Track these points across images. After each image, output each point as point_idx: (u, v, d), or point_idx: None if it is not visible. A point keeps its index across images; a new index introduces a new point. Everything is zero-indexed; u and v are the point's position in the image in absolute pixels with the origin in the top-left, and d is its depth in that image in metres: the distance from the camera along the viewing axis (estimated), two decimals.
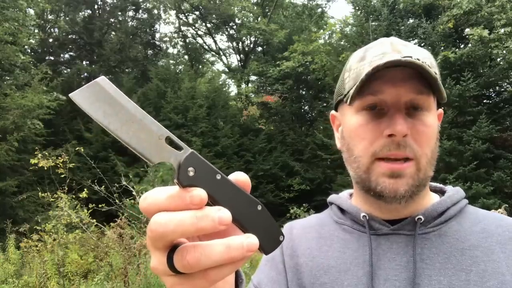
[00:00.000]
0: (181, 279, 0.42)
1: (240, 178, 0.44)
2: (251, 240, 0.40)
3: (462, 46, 13.48)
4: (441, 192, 0.90)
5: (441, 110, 0.87)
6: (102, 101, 0.40)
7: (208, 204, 0.40)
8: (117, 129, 0.40)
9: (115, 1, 20.74)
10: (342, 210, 0.91)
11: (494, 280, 0.72)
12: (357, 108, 0.80)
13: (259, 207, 0.44)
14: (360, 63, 0.80)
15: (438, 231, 0.80)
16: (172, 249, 0.41)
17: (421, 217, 0.80)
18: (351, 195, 0.95)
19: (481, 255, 0.75)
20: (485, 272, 0.73)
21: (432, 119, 0.78)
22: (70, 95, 0.40)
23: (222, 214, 0.39)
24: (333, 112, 0.92)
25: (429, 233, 0.80)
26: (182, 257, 0.40)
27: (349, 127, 0.83)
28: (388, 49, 0.79)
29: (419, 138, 0.76)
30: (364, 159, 0.79)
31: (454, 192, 0.87)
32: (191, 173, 0.41)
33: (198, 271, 0.40)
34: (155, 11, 22.04)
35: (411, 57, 0.75)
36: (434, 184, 0.92)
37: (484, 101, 13.63)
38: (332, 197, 0.96)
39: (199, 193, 0.39)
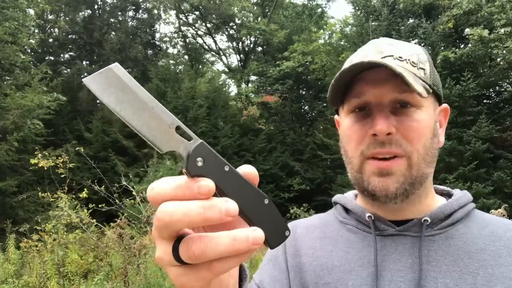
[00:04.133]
0: (186, 269, 0.42)
1: (248, 171, 0.44)
2: (257, 233, 0.40)
3: (462, 46, 13.46)
4: (448, 195, 0.89)
5: (445, 106, 0.86)
6: (115, 87, 0.41)
7: (215, 195, 0.40)
8: (129, 116, 0.41)
9: (115, 1, 20.74)
10: (347, 210, 0.91)
11: (501, 284, 0.71)
12: (347, 111, 0.82)
13: (266, 201, 0.44)
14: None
15: (445, 233, 0.79)
16: (178, 240, 0.41)
17: (427, 218, 0.79)
18: (356, 195, 0.94)
19: (489, 258, 0.74)
20: (492, 276, 0.72)
21: (424, 115, 0.78)
22: (83, 79, 0.40)
23: (229, 205, 0.39)
24: (335, 116, 0.93)
25: (435, 235, 0.79)
26: (187, 248, 0.40)
27: (343, 130, 0.85)
28: (370, 50, 0.80)
29: (407, 134, 0.76)
30: (355, 160, 0.80)
31: (462, 195, 0.86)
32: (200, 163, 0.41)
33: (203, 262, 0.41)
34: (155, 11, 22.05)
35: (392, 55, 0.77)
36: (441, 187, 0.92)
37: (484, 101, 13.62)
38: (337, 197, 0.96)
39: (207, 183, 0.39)
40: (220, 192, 0.41)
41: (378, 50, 0.79)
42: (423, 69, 0.79)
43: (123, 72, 0.41)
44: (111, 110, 0.41)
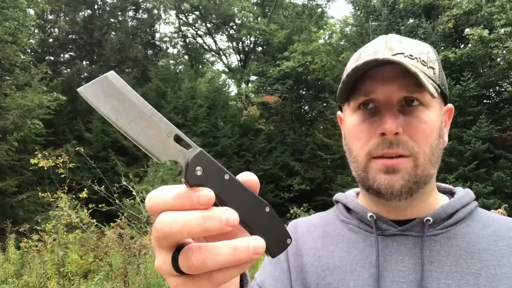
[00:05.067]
0: (185, 280, 0.41)
1: (248, 178, 0.43)
2: (257, 242, 0.40)
3: (462, 46, 13.47)
4: (450, 194, 0.88)
5: (450, 106, 0.85)
6: (111, 96, 0.40)
7: (215, 205, 0.39)
8: (125, 126, 0.40)
9: (115, 1, 20.73)
10: (348, 209, 0.90)
11: (504, 285, 0.70)
12: (353, 108, 0.81)
13: (267, 209, 0.43)
14: (355, 63, 0.79)
15: (447, 233, 0.78)
16: (177, 249, 0.41)
17: (429, 218, 0.78)
18: (357, 193, 0.93)
19: (491, 259, 0.74)
20: (495, 276, 0.71)
21: (431, 115, 0.77)
22: (78, 89, 0.39)
23: (229, 215, 0.38)
24: (339, 112, 0.92)
25: (437, 235, 0.78)
26: (187, 258, 0.39)
27: (348, 127, 0.83)
28: (380, 47, 0.79)
29: (414, 135, 0.75)
30: (361, 158, 0.79)
31: (464, 193, 0.85)
32: (199, 173, 0.40)
33: (203, 272, 0.40)
34: (155, 11, 22.03)
35: (403, 53, 0.75)
36: (443, 185, 0.91)
37: (484, 101, 13.62)
38: (338, 196, 0.95)
39: (207, 193, 0.39)
40: (220, 201, 0.41)
41: (388, 46, 0.78)
42: (433, 68, 0.78)
43: (119, 80, 0.40)
44: (107, 119, 0.40)
